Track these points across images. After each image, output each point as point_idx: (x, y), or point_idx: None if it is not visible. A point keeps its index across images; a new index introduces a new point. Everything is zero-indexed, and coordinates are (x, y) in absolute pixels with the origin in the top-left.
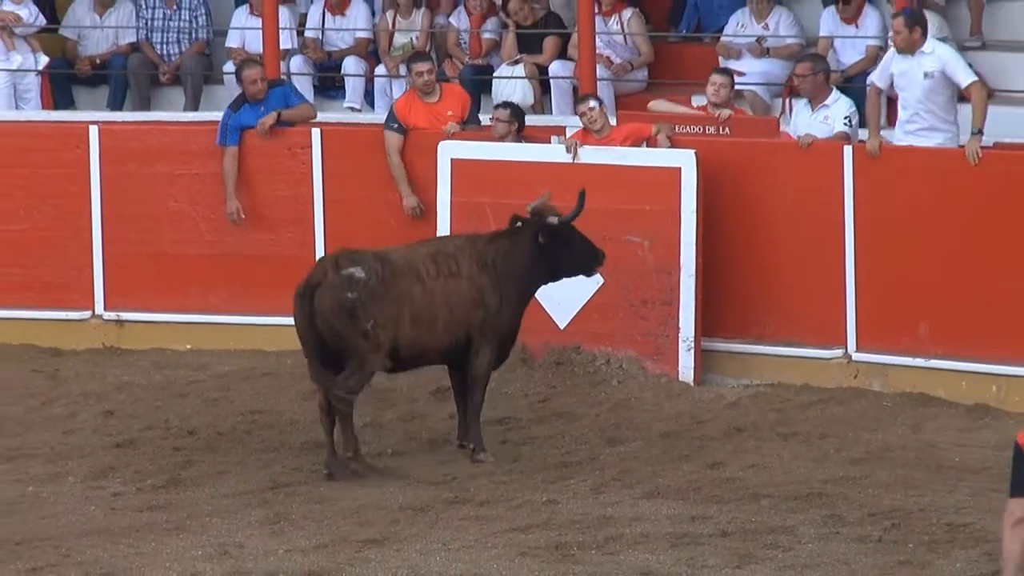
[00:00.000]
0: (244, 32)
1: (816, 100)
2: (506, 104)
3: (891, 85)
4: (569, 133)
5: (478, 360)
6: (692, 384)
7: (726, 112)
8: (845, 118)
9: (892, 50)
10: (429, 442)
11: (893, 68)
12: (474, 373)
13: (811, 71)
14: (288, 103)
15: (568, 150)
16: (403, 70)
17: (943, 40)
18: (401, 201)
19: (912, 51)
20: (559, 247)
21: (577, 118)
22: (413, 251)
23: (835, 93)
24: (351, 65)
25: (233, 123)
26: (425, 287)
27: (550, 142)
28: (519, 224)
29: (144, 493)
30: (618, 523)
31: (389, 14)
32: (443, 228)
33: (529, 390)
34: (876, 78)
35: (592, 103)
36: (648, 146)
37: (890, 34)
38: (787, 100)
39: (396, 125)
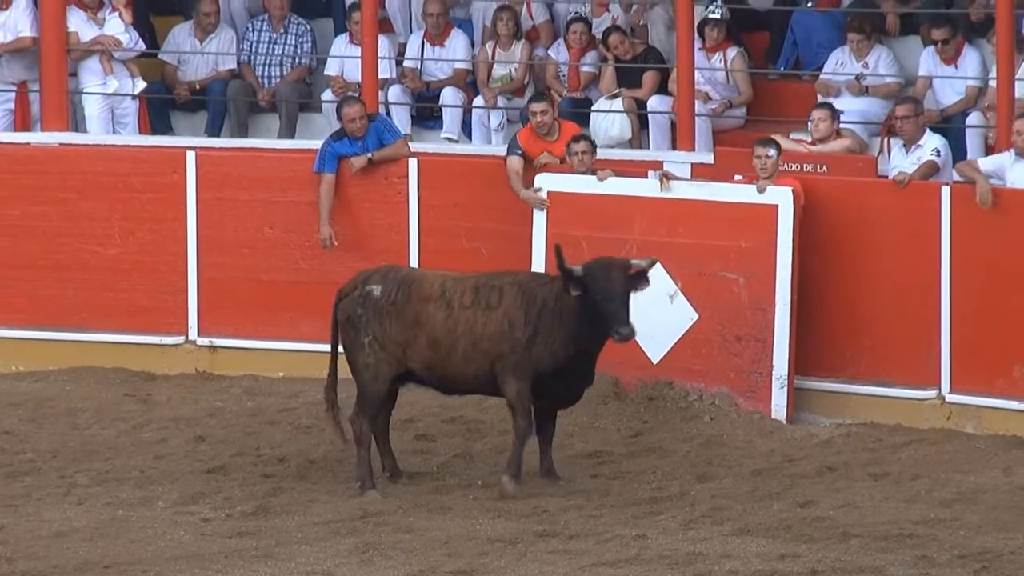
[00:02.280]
0: (343, 61)
1: (911, 142)
2: (582, 136)
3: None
4: (665, 167)
5: (506, 391)
6: (784, 422)
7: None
8: (934, 149)
9: (1011, 153)
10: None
11: (1010, 174)
12: (508, 402)
13: (912, 113)
14: (383, 140)
15: (661, 184)
16: (501, 102)
17: None
18: (527, 204)
19: None
20: (591, 303)
21: (672, 154)
22: (461, 280)
23: (928, 134)
24: (449, 96)
25: (331, 151)
26: (451, 314)
27: (647, 177)
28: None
29: (233, 519)
30: (707, 560)
31: (488, 45)
32: (538, 260)
33: (621, 424)
34: (984, 167)
35: (771, 152)
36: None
37: (1014, 136)
38: (885, 140)
39: (519, 151)
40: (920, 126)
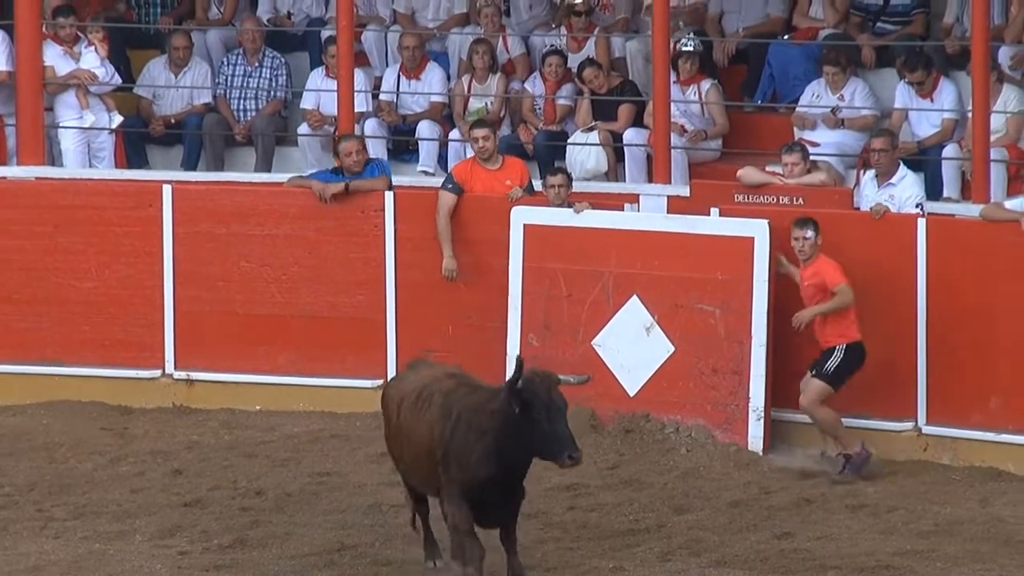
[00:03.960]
0: (320, 94)
1: (884, 176)
2: (558, 169)
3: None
4: (642, 202)
5: (441, 502)
6: (761, 454)
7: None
8: (917, 205)
9: None
10: None
11: None
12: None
13: (888, 146)
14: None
15: (576, 211)
16: (471, 125)
17: None
18: (442, 262)
19: None
20: (532, 422)
21: (648, 186)
22: (419, 378)
23: (902, 170)
24: (425, 129)
25: (322, 177)
26: (399, 416)
27: (623, 209)
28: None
29: (211, 553)
30: None
31: (465, 79)
32: (515, 292)
33: (598, 457)
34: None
35: (809, 233)
36: None
37: None
38: (860, 172)
39: (451, 186)
40: (894, 159)
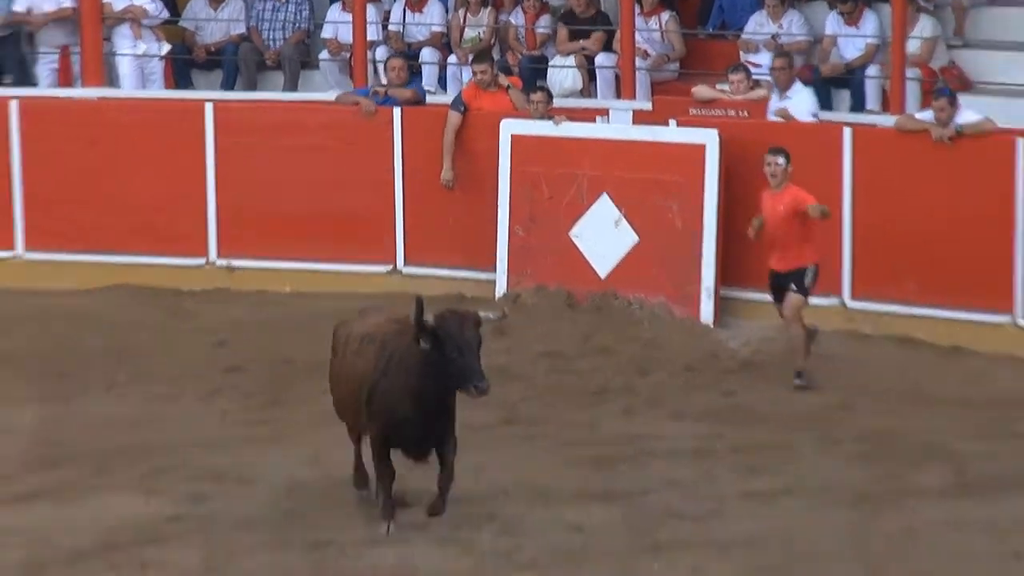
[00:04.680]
0: (337, 25)
1: (783, 89)
2: (539, 87)
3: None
4: (611, 115)
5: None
6: (712, 326)
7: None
8: (813, 114)
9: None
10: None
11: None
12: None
13: (786, 65)
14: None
15: (556, 123)
16: (472, 59)
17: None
18: (441, 172)
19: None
20: (442, 355)
21: (616, 102)
22: (366, 324)
23: (797, 85)
24: (427, 55)
25: (361, 93)
26: (344, 355)
27: (595, 121)
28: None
29: (249, 411)
30: (647, 440)
31: (460, 12)
32: (504, 191)
33: (574, 330)
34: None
35: (781, 160)
36: None
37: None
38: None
39: (462, 108)
40: (791, 76)
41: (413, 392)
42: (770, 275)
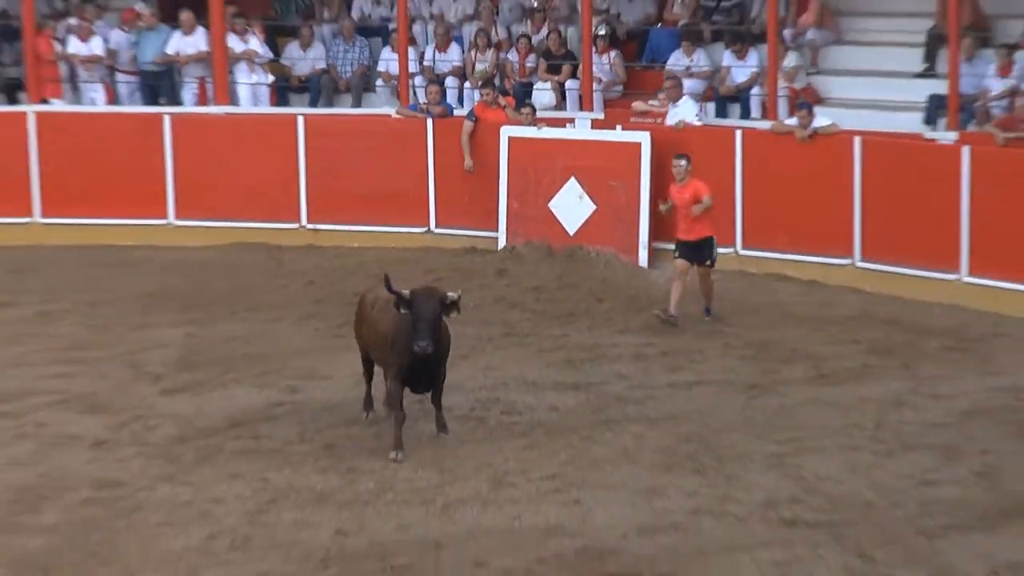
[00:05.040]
0: (388, 62)
1: (674, 102)
2: (527, 104)
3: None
4: (577, 123)
5: (385, 377)
6: (646, 268)
7: (682, 125)
8: (696, 115)
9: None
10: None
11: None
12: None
13: (676, 84)
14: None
15: (538, 128)
16: (480, 85)
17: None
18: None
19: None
20: (414, 317)
21: (580, 113)
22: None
23: (684, 98)
24: (450, 82)
25: (412, 107)
26: (373, 312)
27: (565, 127)
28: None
29: (330, 329)
30: (603, 347)
31: (472, 52)
32: (503, 177)
33: (552, 271)
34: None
35: (683, 162)
36: None
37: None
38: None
39: (473, 119)
40: (680, 92)
41: (407, 347)
42: (679, 243)
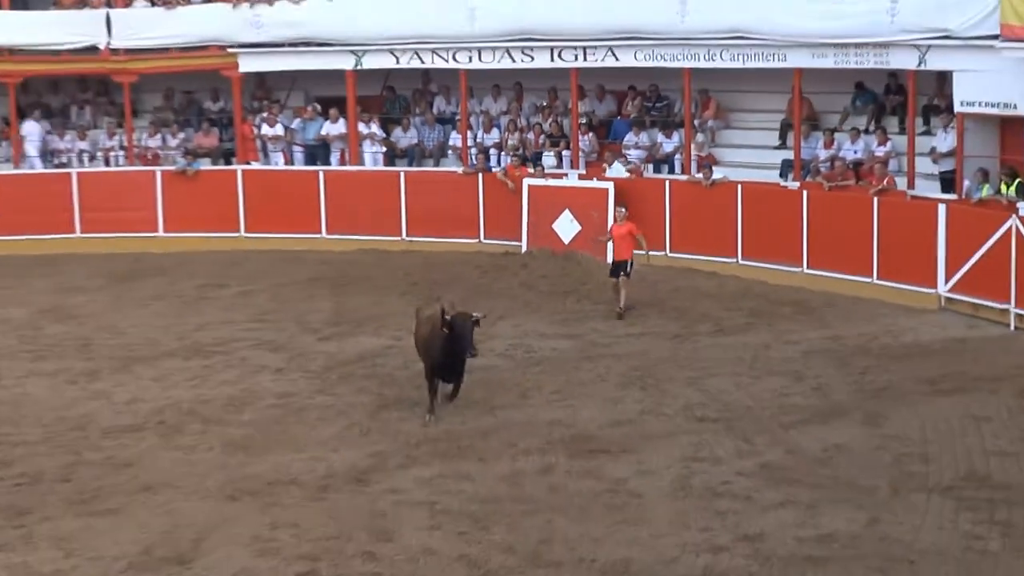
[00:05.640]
0: (456, 140)
1: (610, 165)
2: (538, 165)
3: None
4: (569, 176)
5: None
6: (610, 264)
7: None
8: (628, 171)
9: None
10: None
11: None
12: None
13: (611, 156)
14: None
15: (544, 178)
16: (510, 153)
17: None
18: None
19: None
20: (454, 335)
21: (571, 171)
22: (431, 310)
23: (616, 163)
24: (492, 151)
25: (472, 166)
26: (419, 327)
27: (562, 179)
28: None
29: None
30: (586, 312)
31: (506, 133)
32: (525, 209)
33: (555, 266)
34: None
35: (623, 210)
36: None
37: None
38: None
39: (505, 173)
40: (614, 159)
41: (442, 350)
42: (613, 262)
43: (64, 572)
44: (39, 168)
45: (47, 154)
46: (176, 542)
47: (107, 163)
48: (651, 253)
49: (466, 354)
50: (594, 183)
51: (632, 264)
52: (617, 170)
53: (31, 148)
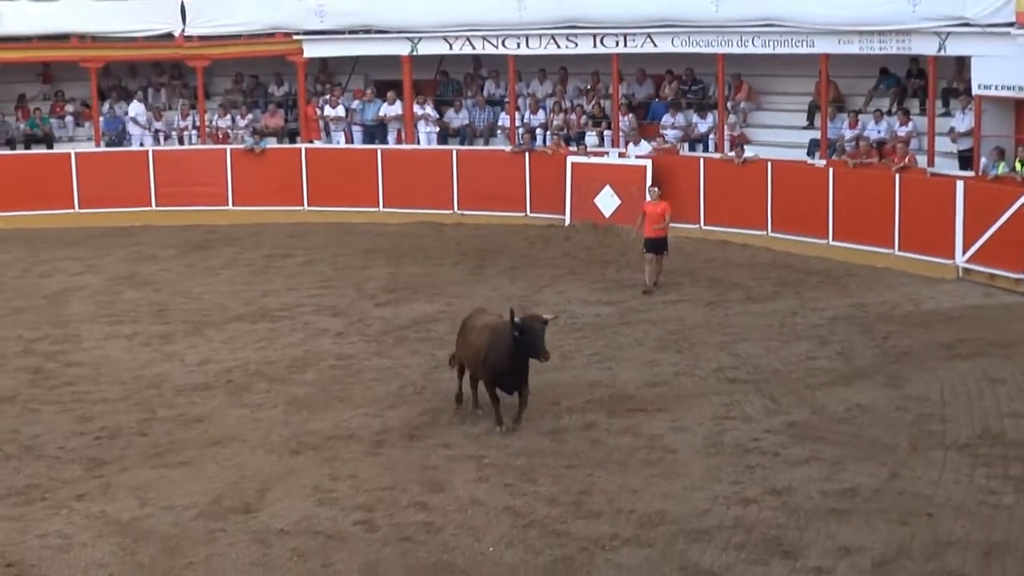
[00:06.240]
0: (505, 120)
1: (636, 143)
2: (582, 144)
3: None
4: (611, 155)
5: (477, 382)
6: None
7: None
8: (648, 152)
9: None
10: None
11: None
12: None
13: (636, 135)
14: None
15: (587, 156)
16: (554, 134)
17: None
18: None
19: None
20: (527, 341)
21: (612, 149)
22: (482, 318)
23: (642, 141)
24: (538, 131)
25: (519, 145)
26: (469, 334)
27: (603, 157)
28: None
29: (469, 270)
30: (625, 281)
31: (551, 114)
32: (568, 183)
33: (596, 237)
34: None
35: (656, 189)
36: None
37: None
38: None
39: (551, 150)
40: (638, 137)
41: (508, 357)
42: (648, 239)
43: (140, 520)
44: (149, 145)
45: (127, 134)
46: (243, 492)
47: (180, 142)
48: (687, 226)
49: (539, 358)
50: (633, 161)
51: (668, 241)
52: (641, 150)
53: (135, 129)
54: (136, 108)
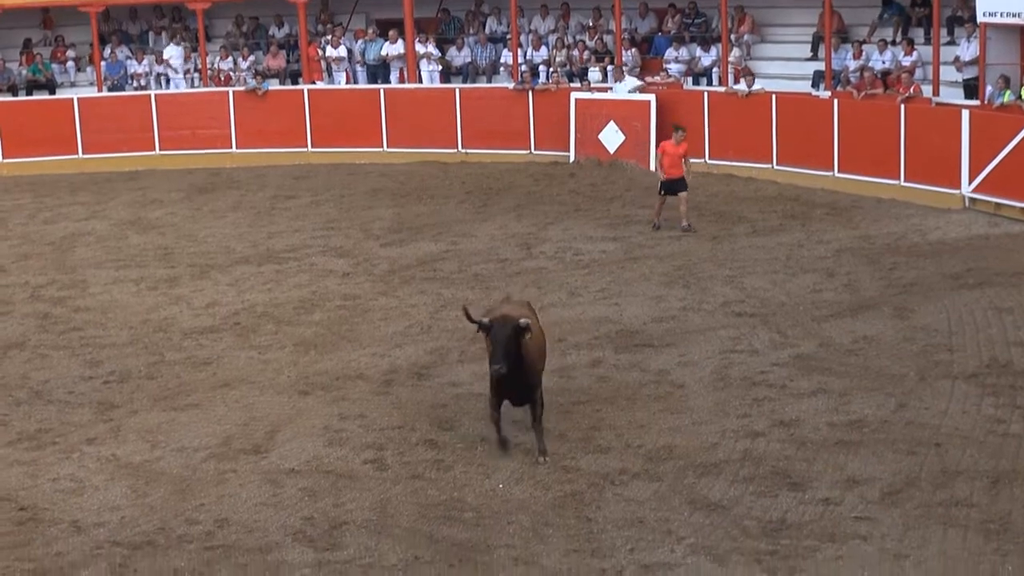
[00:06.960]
0: (507, 57)
1: (620, 80)
2: (585, 79)
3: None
4: (614, 89)
5: None
6: (653, 171)
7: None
8: (633, 88)
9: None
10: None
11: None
12: None
13: (619, 71)
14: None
15: (591, 92)
16: (558, 69)
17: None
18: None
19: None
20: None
21: (615, 84)
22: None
23: (627, 77)
24: (541, 68)
25: (520, 85)
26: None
27: (606, 92)
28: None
29: (475, 209)
30: (630, 216)
31: (554, 51)
32: (572, 120)
33: (600, 174)
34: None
35: (680, 133)
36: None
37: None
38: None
39: (555, 87)
40: (623, 74)
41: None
42: (667, 179)
43: (151, 462)
44: (184, 88)
45: (128, 77)
46: (252, 433)
47: (191, 84)
48: (692, 160)
49: (490, 364)
50: (637, 95)
51: (686, 180)
52: (629, 85)
53: (172, 72)
54: (172, 51)
